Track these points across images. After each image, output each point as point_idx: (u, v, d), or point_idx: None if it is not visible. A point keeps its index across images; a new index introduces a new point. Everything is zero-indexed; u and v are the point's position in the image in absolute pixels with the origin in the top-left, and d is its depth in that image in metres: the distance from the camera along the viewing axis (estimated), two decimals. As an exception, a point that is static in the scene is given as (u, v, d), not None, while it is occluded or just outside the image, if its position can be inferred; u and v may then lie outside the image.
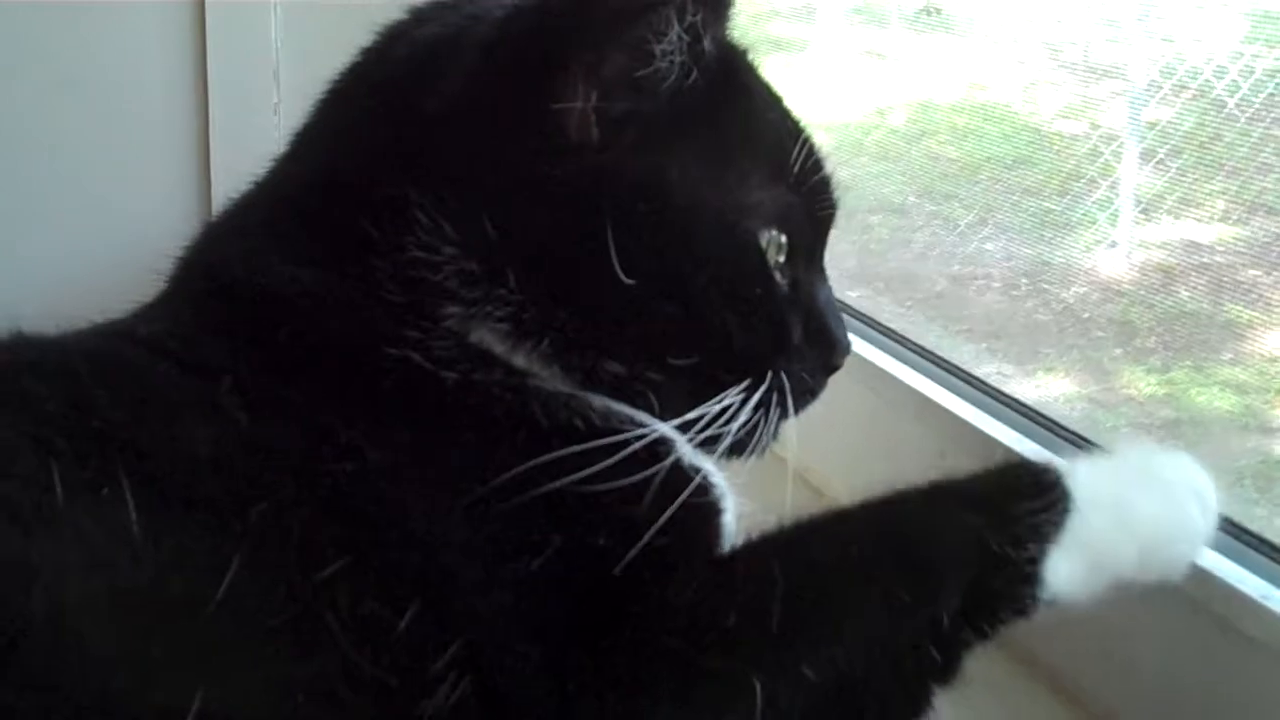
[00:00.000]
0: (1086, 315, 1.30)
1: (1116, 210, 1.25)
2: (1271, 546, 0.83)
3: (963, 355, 1.23)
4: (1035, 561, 0.68)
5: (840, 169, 0.82)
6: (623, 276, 0.70)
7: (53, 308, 0.72)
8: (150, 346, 0.70)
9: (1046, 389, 1.30)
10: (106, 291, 0.74)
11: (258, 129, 1.42)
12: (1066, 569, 0.68)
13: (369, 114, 0.77)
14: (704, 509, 0.71)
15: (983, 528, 0.68)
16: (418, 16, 0.80)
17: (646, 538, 0.65)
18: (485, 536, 0.64)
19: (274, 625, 0.57)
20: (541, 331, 0.71)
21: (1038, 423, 1.03)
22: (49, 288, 1.28)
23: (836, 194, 0.81)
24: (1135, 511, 0.72)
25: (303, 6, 1.47)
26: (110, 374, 0.67)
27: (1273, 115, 1.07)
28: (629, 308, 0.71)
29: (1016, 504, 0.69)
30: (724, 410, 0.73)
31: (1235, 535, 0.83)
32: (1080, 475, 0.71)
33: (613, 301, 0.71)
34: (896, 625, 0.66)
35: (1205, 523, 0.73)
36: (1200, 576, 0.79)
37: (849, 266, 1.49)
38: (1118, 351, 1.27)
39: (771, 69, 0.82)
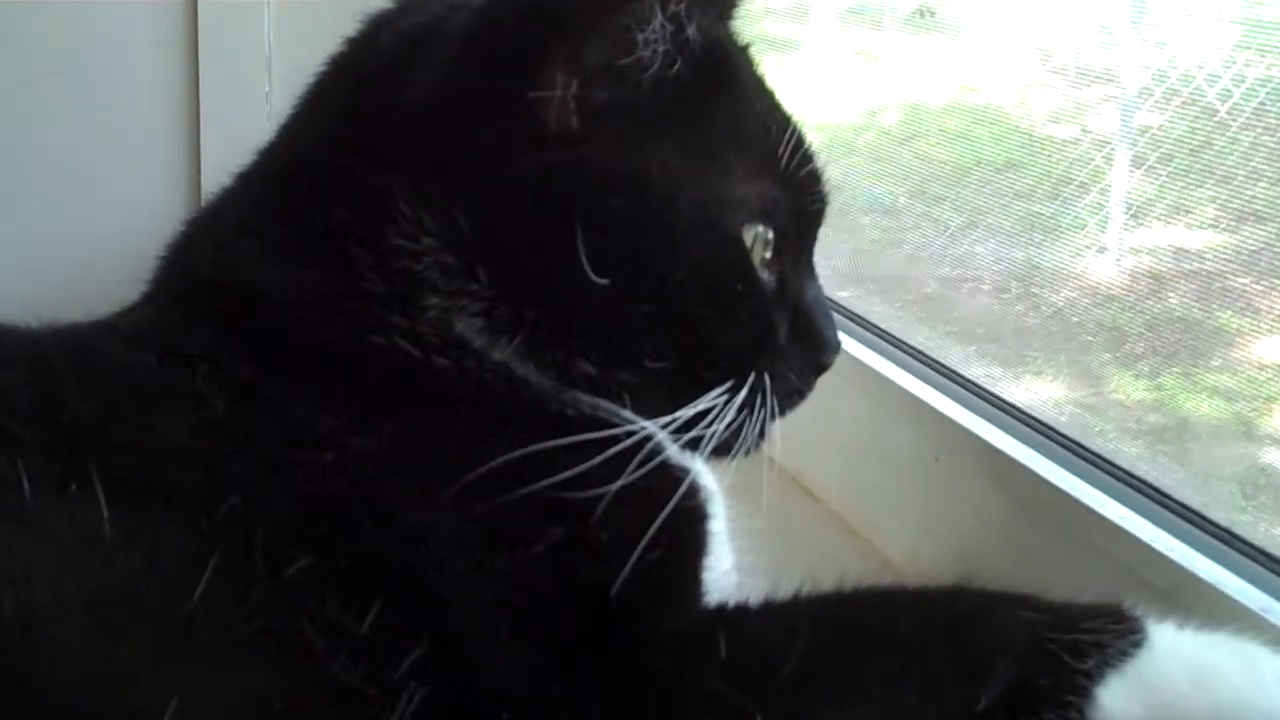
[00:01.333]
0: (1076, 320, 1.29)
1: (1107, 215, 1.24)
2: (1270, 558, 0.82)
3: (951, 358, 1.22)
4: (1090, 676, 0.66)
5: (831, 169, 0.81)
6: (593, 276, 0.69)
7: (44, 299, 0.72)
8: (129, 338, 0.70)
9: (1035, 393, 1.29)
10: (97, 283, 0.74)
11: (249, 118, 1.41)
12: (1123, 700, 0.66)
13: (353, 104, 0.76)
14: (693, 513, 0.71)
15: (1041, 625, 0.66)
16: (402, 6, 0.79)
17: (643, 544, 0.64)
18: (475, 525, 0.63)
19: (250, 630, 0.56)
20: (514, 328, 0.70)
21: (1032, 426, 1.03)
22: (40, 279, 1.28)
23: (827, 189, 0.80)
24: (1215, 675, 0.68)
25: (296, -4, 1.46)
26: (85, 364, 0.66)
27: (1264, 123, 1.06)
28: (602, 308, 0.70)
29: (1085, 620, 0.68)
30: (707, 411, 0.72)
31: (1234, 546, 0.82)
32: (1168, 627, 0.69)
33: (585, 301, 0.70)
34: (930, 697, 0.64)
35: None
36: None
37: (840, 266, 1.49)
38: (1106, 356, 1.26)
39: (764, 68, 0.82)
